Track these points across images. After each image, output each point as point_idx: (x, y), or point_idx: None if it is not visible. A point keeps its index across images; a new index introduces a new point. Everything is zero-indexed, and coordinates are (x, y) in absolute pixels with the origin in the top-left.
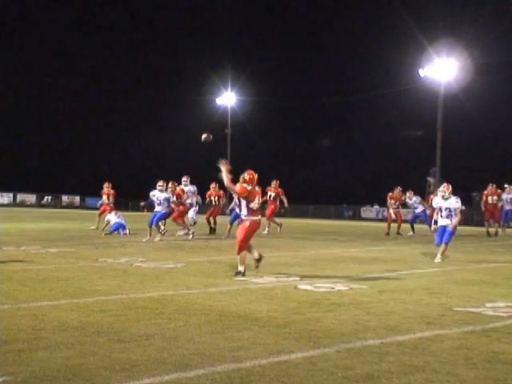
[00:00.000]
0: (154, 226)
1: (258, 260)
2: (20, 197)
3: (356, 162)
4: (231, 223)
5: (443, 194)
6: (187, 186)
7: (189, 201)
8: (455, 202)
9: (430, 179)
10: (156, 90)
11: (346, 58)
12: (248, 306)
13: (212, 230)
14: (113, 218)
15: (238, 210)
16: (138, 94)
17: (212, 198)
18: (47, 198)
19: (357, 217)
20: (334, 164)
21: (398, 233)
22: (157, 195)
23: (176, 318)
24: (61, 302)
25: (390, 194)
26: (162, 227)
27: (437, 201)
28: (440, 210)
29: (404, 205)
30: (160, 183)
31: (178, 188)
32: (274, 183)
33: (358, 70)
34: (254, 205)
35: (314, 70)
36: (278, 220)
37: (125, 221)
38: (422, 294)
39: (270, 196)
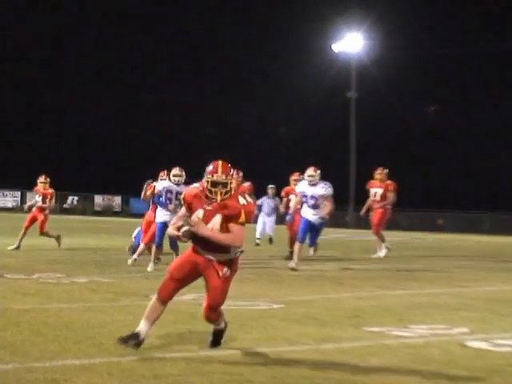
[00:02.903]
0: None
1: (220, 333)
2: (30, 197)
3: None
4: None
5: None
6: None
7: None
8: None
9: None
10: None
11: None
12: (385, 374)
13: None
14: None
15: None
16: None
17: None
18: (72, 200)
19: None
20: None
21: None
22: (174, 190)
23: None
24: (93, 360)
25: None
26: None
27: None
28: None
29: None
30: (165, 173)
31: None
32: (380, 172)
33: None
34: None
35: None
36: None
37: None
38: None
39: (375, 194)
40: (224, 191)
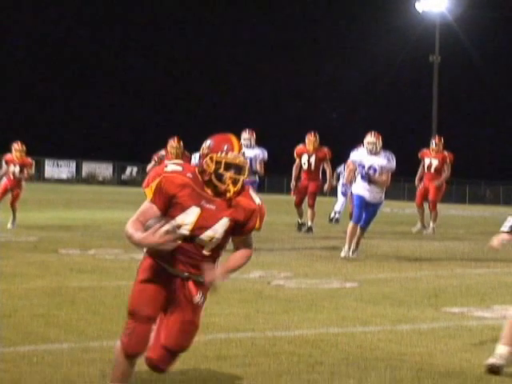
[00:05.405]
0: None
1: None
2: (87, 168)
3: None
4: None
5: None
6: (252, 149)
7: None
8: None
9: None
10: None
11: None
12: (466, 357)
13: (301, 226)
14: None
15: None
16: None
17: (303, 159)
18: (131, 171)
19: None
20: None
21: None
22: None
23: (343, 373)
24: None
25: None
26: None
27: None
28: None
29: None
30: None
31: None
32: (436, 141)
33: None
34: None
35: None
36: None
37: None
38: None
39: (430, 166)
40: (240, 179)
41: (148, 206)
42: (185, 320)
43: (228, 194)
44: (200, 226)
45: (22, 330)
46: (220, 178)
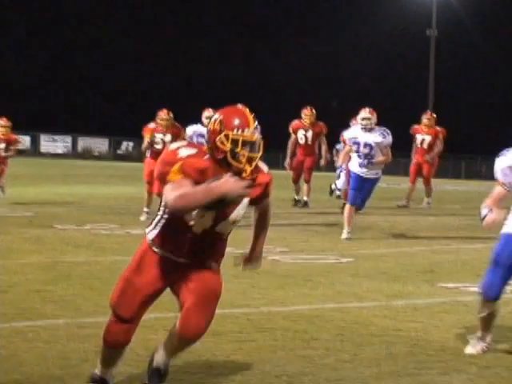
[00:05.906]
0: None
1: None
2: (83, 142)
3: None
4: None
5: None
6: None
7: None
8: None
9: None
10: None
11: None
12: (461, 333)
13: (297, 202)
14: None
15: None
16: None
17: (299, 134)
18: (127, 145)
19: None
20: None
21: None
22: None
23: (338, 349)
24: (149, 315)
25: None
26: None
27: None
28: None
29: None
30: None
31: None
32: (428, 117)
33: None
34: None
35: None
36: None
37: None
38: None
39: (423, 142)
40: (256, 157)
41: (183, 181)
42: (209, 277)
43: (244, 174)
44: (224, 211)
45: (17, 305)
46: (235, 156)
